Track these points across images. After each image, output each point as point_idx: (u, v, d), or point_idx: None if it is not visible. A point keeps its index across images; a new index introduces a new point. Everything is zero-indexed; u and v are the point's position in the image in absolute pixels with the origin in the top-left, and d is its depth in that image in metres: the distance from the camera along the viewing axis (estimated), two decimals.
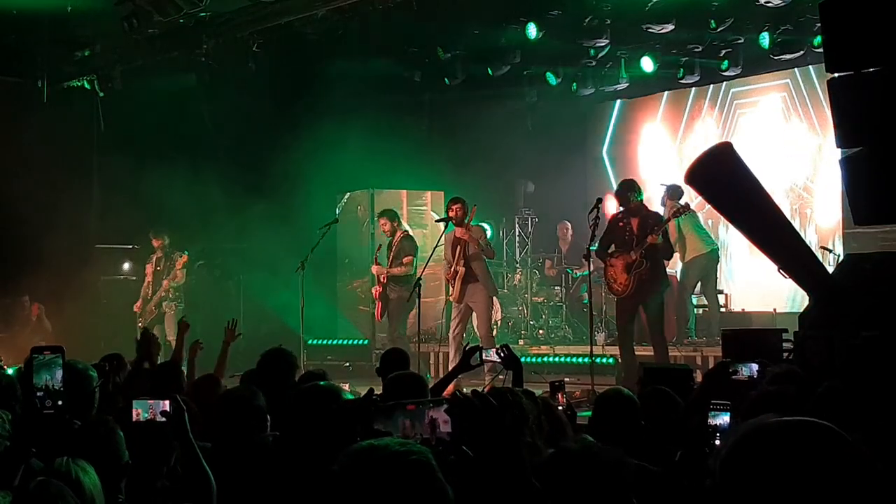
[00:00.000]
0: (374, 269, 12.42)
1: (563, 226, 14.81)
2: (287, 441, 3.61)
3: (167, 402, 3.96)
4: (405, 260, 11.91)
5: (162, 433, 4.00)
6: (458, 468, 2.52)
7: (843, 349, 5.67)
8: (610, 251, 10.43)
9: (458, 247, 11.26)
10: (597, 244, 10.44)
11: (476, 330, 12.01)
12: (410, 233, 12.76)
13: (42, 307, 14.15)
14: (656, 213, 10.85)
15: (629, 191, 10.39)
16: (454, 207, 11.22)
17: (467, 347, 6.15)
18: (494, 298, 13.80)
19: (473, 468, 2.66)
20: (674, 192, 12.45)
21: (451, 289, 11.55)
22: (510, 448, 2.58)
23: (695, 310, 13.11)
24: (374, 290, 12.60)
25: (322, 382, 3.89)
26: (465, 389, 3.32)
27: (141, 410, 3.97)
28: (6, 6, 12.75)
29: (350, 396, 3.60)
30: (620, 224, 10.43)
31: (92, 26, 13.04)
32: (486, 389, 8.94)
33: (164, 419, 3.93)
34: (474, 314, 11.56)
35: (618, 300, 10.62)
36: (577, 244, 13.90)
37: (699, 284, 12.95)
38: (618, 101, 16.08)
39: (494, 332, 13.58)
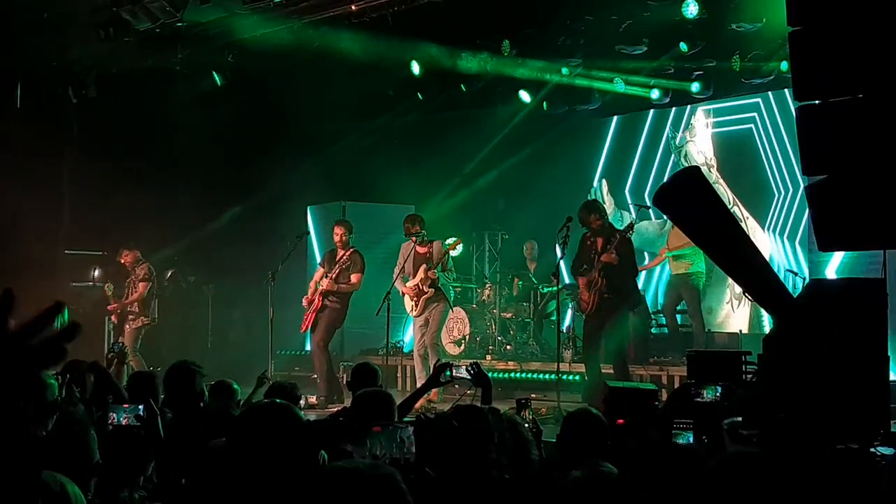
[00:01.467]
0: (326, 283, 11.56)
1: (529, 245, 14.83)
2: (238, 456, 3.59)
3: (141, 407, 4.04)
4: (353, 277, 11.53)
5: (139, 441, 4.05)
6: (422, 488, 2.57)
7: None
8: (581, 270, 10.59)
9: (423, 264, 11.37)
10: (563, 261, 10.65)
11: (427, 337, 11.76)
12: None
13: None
14: (618, 232, 10.80)
15: (589, 212, 10.56)
16: (413, 230, 11.37)
17: (437, 364, 6.16)
18: (463, 314, 13.88)
19: (436, 488, 2.71)
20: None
21: (408, 302, 11.58)
22: (475, 468, 2.62)
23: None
24: (306, 300, 11.79)
25: (278, 399, 3.87)
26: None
27: (115, 416, 4.04)
28: None
29: (301, 414, 3.58)
30: (588, 243, 10.59)
31: (68, 33, 13.00)
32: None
33: (138, 423, 4.00)
34: (429, 323, 11.61)
35: (584, 318, 10.76)
36: (545, 262, 14.00)
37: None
38: (590, 121, 16.16)
39: (462, 347, 13.66)
